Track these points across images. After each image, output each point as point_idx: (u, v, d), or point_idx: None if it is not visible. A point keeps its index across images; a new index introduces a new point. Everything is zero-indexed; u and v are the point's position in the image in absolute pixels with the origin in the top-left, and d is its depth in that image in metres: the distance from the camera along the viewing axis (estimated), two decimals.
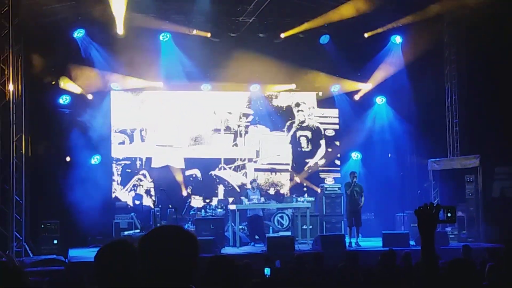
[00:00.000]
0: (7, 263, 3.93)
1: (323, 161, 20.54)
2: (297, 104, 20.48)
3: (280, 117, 20.36)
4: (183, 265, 2.66)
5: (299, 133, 20.46)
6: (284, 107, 20.42)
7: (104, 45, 17.76)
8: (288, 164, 20.30)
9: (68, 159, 17.62)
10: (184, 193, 19.02)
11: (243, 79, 19.47)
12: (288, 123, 20.37)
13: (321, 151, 20.57)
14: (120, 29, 17.02)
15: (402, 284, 8.30)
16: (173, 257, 2.64)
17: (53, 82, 17.60)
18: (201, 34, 18.24)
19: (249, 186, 17.96)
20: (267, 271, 10.39)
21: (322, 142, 20.58)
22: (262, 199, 17.39)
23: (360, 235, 16.52)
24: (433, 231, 3.32)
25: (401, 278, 8.60)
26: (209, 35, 18.32)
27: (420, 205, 3.39)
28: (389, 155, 19.79)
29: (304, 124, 20.49)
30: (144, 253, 2.68)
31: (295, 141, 20.41)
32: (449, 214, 3.32)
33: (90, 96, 18.24)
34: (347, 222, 16.84)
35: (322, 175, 20.36)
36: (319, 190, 18.97)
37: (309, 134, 20.51)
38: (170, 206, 16.95)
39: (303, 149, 20.43)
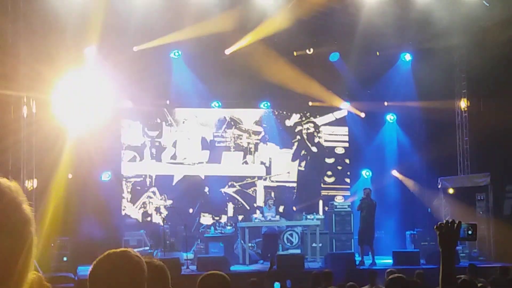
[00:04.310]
0: None
1: (332, 179, 20.48)
2: (306, 122, 20.48)
3: (290, 135, 20.35)
4: None
5: (302, 152, 20.43)
6: (294, 125, 20.41)
7: (115, 61, 17.77)
8: (295, 182, 20.29)
9: (70, 176, 17.53)
10: (193, 210, 18.99)
11: (253, 96, 19.52)
12: (294, 141, 20.35)
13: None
14: (137, 47, 17.22)
15: None
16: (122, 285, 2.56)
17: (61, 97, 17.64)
18: (215, 50, 18.14)
19: (262, 203, 17.94)
20: (276, 286, 10.30)
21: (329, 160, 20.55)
22: (277, 217, 17.33)
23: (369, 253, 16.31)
24: (453, 248, 3.29)
25: None
26: (228, 52, 18.17)
27: (432, 223, 3.37)
28: (391, 172, 19.71)
29: (308, 143, 20.43)
30: (94, 283, 2.58)
31: (298, 160, 20.39)
32: (469, 232, 3.28)
33: (99, 112, 18.23)
34: (357, 240, 16.71)
35: (331, 192, 20.30)
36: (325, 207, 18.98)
37: (311, 153, 20.45)
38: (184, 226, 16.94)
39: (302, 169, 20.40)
